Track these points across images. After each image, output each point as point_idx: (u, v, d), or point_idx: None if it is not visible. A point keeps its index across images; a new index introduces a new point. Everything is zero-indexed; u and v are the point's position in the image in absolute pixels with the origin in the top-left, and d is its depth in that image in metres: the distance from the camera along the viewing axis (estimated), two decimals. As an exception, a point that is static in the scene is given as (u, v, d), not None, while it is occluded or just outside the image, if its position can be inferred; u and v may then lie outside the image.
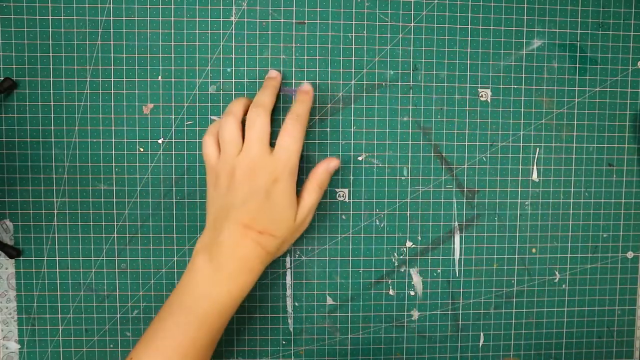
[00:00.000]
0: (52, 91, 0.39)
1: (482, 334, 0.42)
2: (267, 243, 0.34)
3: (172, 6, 0.39)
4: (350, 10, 0.40)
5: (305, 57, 0.40)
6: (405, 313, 0.42)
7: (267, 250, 0.34)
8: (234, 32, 0.39)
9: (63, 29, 0.39)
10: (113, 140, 0.39)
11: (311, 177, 0.36)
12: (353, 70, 0.40)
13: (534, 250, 0.42)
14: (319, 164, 0.36)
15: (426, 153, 0.41)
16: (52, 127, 0.39)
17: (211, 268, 0.33)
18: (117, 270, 0.40)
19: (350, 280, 0.41)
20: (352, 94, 0.40)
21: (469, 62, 0.41)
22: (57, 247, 0.40)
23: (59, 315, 0.40)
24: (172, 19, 0.39)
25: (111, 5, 0.39)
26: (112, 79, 0.39)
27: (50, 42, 0.39)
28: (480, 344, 0.43)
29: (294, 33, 0.40)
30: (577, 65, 0.41)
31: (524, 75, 0.41)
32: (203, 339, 0.33)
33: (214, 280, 0.33)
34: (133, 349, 0.34)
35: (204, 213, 0.40)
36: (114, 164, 0.40)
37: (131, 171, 0.40)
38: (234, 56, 0.39)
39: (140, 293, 0.41)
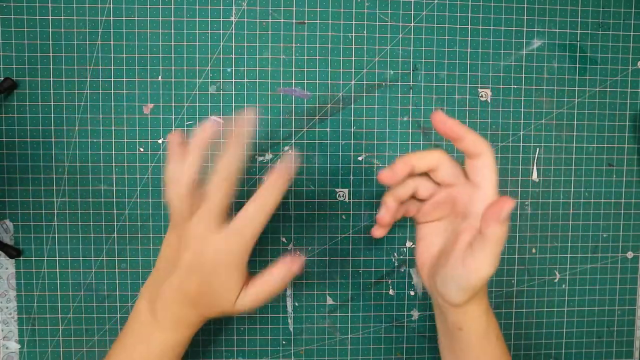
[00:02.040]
0: (52, 91, 0.39)
1: (482, 334, 0.42)
2: (204, 311, 0.32)
3: (172, 6, 0.39)
4: (350, 10, 0.40)
5: (305, 57, 0.40)
6: (405, 313, 0.42)
7: (204, 316, 0.33)
8: (234, 32, 0.39)
9: (63, 29, 0.39)
10: (113, 140, 0.39)
11: (269, 272, 0.32)
12: (353, 70, 0.40)
13: (534, 250, 0.42)
14: (282, 262, 0.32)
15: (426, 153, 0.41)
16: (52, 127, 0.39)
17: (150, 315, 0.32)
18: (117, 270, 0.40)
19: (350, 280, 0.41)
20: (352, 94, 0.40)
21: (469, 62, 0.41)
22: (57, 247, 0.40)
23: (59, 315, 0.40)
24: (172, 19, 0.39)
25: (111, 5, 0.39)
26: (112, 79, 0.39)
27: (50, 42, 0.39)
28: (480, 344, 0.43)
29: (294, 33, 0.40)
30: (577, 65, 0.41)
31: (524, 75, 0.41)
32: None
33: (152, 327, 0.32)
34: None
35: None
36: (114, 164, 0.40)
37: (131, 171, 0.40)
38: (234, 56, 0.39)
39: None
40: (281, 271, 0.32)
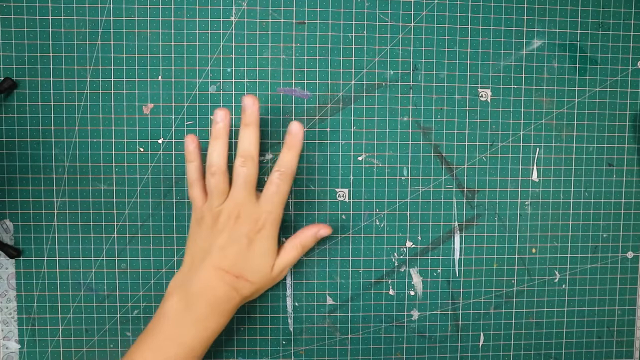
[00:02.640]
0: (52, 91, 0.39)
1: (482, 334, 0.42)
2: (242, 287, 0.34)
3: (172, 6, 0.39)
4: (350, 10, 0.40)
5: (305, 57, 0.40)
6: (405, 313, 0.42)
7: (242, 295, 0.35)
8: (234, 32, 0.39)
9: (63, 29, 0.39)
10: (113, 140, 0.39)
11: (298, 235, 0.37)
12: (353, 70, 0.40)
13: (534, 250, 0.42)
14: (309, 227, 0.37)
15: (426, 153, 0.41)
16: (52, 127, 0.39)
17: (182, 309, 0.33)
18: (117, 270, 0.40)
19: (350, 280, 0.41)
20: (352, 94, 0.40)
21: (469, 62, 0.41)
22: (57, 247, 0.40)
23: (59, 315, 0.40)
24: (172, 19, 0.39)
25: (111, 5, 0.39)
26: (112, 79, 0.39)
27: (50, 42, 0.39)
28: (480, 344, 0.43)
29: (294, 33, 0.40)
30: (577, 65, 0.41)
31: (524, 75, 0.41)
32: None
33: (183, 322, 0.33)
34: None
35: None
36: (114, 164, 0.40)
37: (131, 171, 0.40)
38: (234, 56, 0.39)
39: (140, 293, 0.41)
40: (309, 236, 0.36)
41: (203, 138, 0.40)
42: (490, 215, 0.42)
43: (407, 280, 0.42)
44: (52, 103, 0.39)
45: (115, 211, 0.40)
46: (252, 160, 0.34)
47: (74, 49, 0.39)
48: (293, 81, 0.40)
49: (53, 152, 0.39)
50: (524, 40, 0.41)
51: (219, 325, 0.34)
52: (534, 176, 0.42)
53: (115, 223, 0.40)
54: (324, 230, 0.36)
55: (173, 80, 0.39)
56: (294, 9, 0.40)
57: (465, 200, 0.41)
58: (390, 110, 0.41)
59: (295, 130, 0.34)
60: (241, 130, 0.35)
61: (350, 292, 0.42)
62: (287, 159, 0.34)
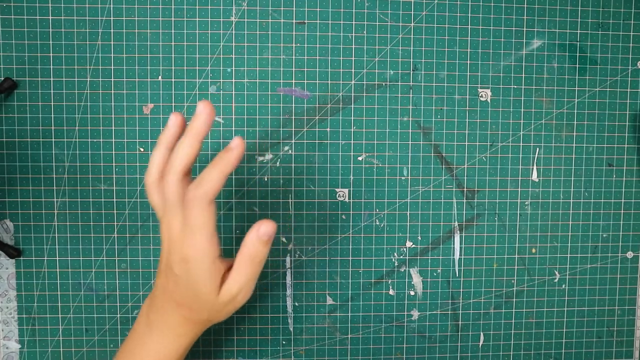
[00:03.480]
0: (52, 91, 0.39)
1: (482, 334, 0.42)
2: (190, 316, 0.31)
3: (172, 6, 0.39)
4: (350, 10, 0.40)
5: (305, 57, 0.40)
6: (405, 313, 0.42)
7: (194, 322, 0.32)
8: (234, 32, 0.39)
9: (63, 29, 0.39)
10: (113, 140, 0.39)
11: (241, 248, 0.30)
12: (353, 70, 0.40)
13: (534, 250, 0.42)
14: (249, 232, 0.30)
15: (426, 153, 0.41)
16: (52, 127, 0.39)
17: (144, 324, 0.32)
18: (117, 270, 0.40)
19: (350, 280, 0.41)
20: (352, 94, 0.40)
21: (469, 62, 0.41)
22: (57, 247, 0.40)
23: (59, 315, 0.40)
24: (172, 19, 0.39)
25: (111, 5, 0.39)
26: (112, 79, 0.39)
27: (50, 42, 0.39)
28: (480, 344, 0.43)
29: (294, 33, 0.40)
30: (577, 65, 0.41)
31: (524, 75, 0.41)
32: None
33: (146, 336, 0.32)
34: None
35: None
36: (114, 164, 0.40)
37: (131, 171, 0.40)
38: (234, 56, 0.39)
39: (140, 293, 0.41)
40: (253, 242, 0.30)
41: (211, 138, 0.40)
42: (490, 215, 0.42)
43: (407, 280, 0.42)
44: (52, 103, 0.39)
45: (115, 211, 0.40)
46: (174, 175, 0.29)
47: (74, 49, 0.39)
48: (293, 81, 0.40)
49: (53, 152, 0.39)
50: (524, 40, 0.41)
51: (180, 346, 0.32)
52: (534, 176, 0.42)
53: (115, 223, 0.40)
54: (264, 227, 0.29)
55: (173, 80, 0.39)
56: (294, 9, 0.40)
57: (465, 200, 0.41)
58: (390, 110, 0.41)
59: (236, 144, 0.28)
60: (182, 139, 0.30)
61: (350, 292, 0.42)
62: (210, 177, 0.28)
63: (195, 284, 0.30)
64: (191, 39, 0.39)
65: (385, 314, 0.42)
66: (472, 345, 0.43)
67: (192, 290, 0.30)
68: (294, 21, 0.40)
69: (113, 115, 0.39)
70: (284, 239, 0.41)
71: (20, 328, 0.40)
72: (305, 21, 0.40)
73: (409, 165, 0.41)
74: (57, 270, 0.40)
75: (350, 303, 0.42)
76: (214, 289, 0.30)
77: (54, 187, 0.39)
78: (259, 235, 0.30)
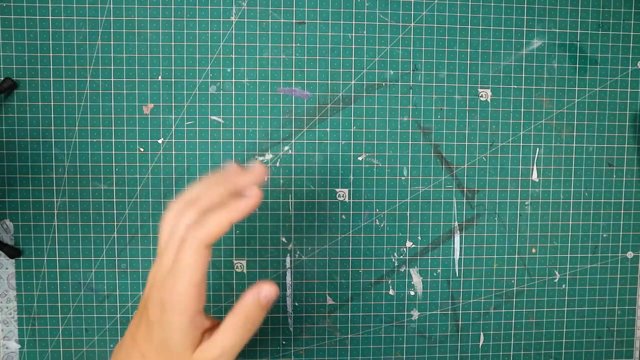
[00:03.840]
0: (52, 91, 0.39)
1: (482, 334, 0.42)
2: None
3: (172, 6, 0.39)
4: (350, 10, 0.40)
5: (305, 57, 0.40)
6: (405, 313, 0.42)
7: None
8: (234, 32, 0.39)
9: (63, 29, 0.39)
10: (113, 140, 0.39)
11: (235, 308, 0.26)
12: (353, 70, 0.40)
13: (534, 250, 0.42)
14: (248, 292, 0.26)
15: (426, 153, 0.41)
16: (52, 127, 0.39)
17: None
18: (117, 270, 0.40)
19: (350, 280, 0.41)
20: (352, 94, 0.40)
21: (469, 62, 0.41)
22: (57, 247, 0.40)
23: (59, 315, 0.40)
24: (172, 19, 0.39)
25: (111, 5, 0.39)
26: (112, 79, 0.39)
27: (50, 42, 0.39)
28: (480, 344, 0.43)
29: (294, 33, 0.40)
30: (577, 65, 0.41)
31: (524, 75, 0.41)
32: None
33: None
34: None
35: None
36: (114, 164, 0.40)
37: (131, 171, 0.40)
38: (234, 56, 0.39)
39: (140, 293, 0.41)
40: (251, 304, 0.26)
41: (202, 138, 0.40)
42: (490, 215, 0.42)
43: (407, 280, 0.42)
44: (52, 103, 0.39)
45: (115, 211, 0.40)
46: (199, 236, 0.25)
47: (74, 49, 0.39)
48: (293, 81, 0.40)
49: (53, 152, 0.39)
50: (524, 40, 0.41)
51: None
52: (534, 176, 0.42)
53: (115, 223, 0.40)
54: (266, 290, 0.26)
55: (173, 80, 0.39)
56: (294, 9, 0.40)
57: (465, 200, 0.41)
58: (390, 110, 0.41)
59: (253, 194, 0.25)
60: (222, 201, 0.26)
61: (350, 292, 0.42)
62: (215, 220, 0.25)
63: (168, 336, 0.26)
64: (191, 39, 0.39)
65: (385, 314, 0.42)
66: (472, 345, 0.43)
67: (164, 343, 0.26)
68: (294, 21, 0.40)
69: (113, 115, 0.39)
70: (284, 239, 0.41)
71: (20, 328, 0.40)
72: (305, 21, 0.40)
73: (409, 165, 0.41)
74: (57, 270, 0.40)
75: (350, 303, 0.42)
76: (188, 346, 0.26)
77: (54, 187, 0.39)
78: (260, 298, 0.26)
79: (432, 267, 0.42)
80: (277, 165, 0.40)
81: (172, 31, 0.39)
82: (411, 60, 0.40)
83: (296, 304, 0.41)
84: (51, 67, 0.39)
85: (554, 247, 0.42)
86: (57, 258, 0.40)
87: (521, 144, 0.41)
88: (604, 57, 0.41)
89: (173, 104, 0.40)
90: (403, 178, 0.41)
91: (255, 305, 0.26)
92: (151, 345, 0.26)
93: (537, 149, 0.42)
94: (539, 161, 0.42)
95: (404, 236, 0.41)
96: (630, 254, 0.43)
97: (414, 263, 0.42)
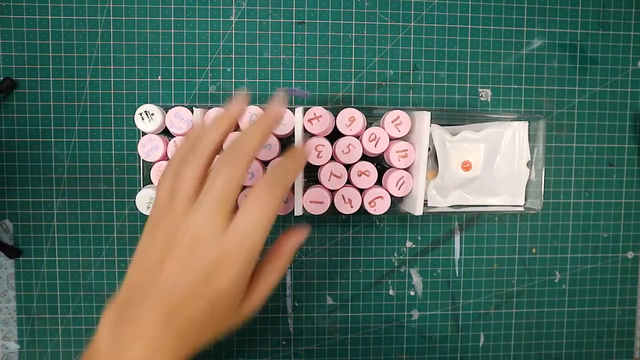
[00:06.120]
0: (51, 91, 0.39)
1: (482, 334, 0.42)
2: (192, 347, 0.24)
3: (172, 6, 0.39)
4: (350, 10, 0.40)
5: (305, 57, 0.40)
6: (405, 313, 0.42)
7: (192, 345, 0.24)
8: (234, 32, 0.39)
9: (63, 29, 0.39)
10: (113, 140, 0.39)
11: (274, 253, 0.27)
12: (353, 70, 0.40)
13: (534, 250, 0.42)
14: (284, 238, 0.27)
15: (426, 153, 0.41)
16: (52, 127, 0.39)
17: (111, 346, 0.23)
18: (117, 270, 0.40)
19: (350, 280, 0.41)
20: (352, 94, 0.40)
21: (469, 62, 0.41)
22: (56, 247, 0.40)
23: (59, 316, 0.40)
24: (172, 19, 0.39)
25: (111, 5, 0.39)
26: (112, 79, 0.39)
27: (50, 42, 0.39)
28: (480, 344, 0.43)
29: (294, 33, 0.40)
30: (577, 65, 0.41)
31: (524, 75, 0.41)
32: None
33: None
34: None
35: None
36: (113, 164, 0.40)
37: (131, 171, 0.40)
38: (234, 56, 0.39)
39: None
40: (290, 250, 0.27)
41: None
42: (490, 215, 0.42)
43: (407, 280, 0.42)
44: (51, 103, 0.39)
45: (115, 211, 0.40)
46: (239, 167, 0.24)
47: (74, 48, 0.39)
48: (293, 81, 0.40)
49: (53, 152, 0.39)
50: (524, 40, 0.41)
51: None
52: (533, 176, 0.42)
53: (115, 223, 0.40)
54: (301, 236, 0.27)
55: (173, 80, 0.39)
56: (294, 8, 0.40)
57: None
58: (390, 110, 0.41)
59: (303, 148, 0.25)
60: (253, 124, 0.25)
61: (350, 292, 0.42)
62: (279, 170, 0.25)
63: (223, 297, 0.24)
64: (191, 39, 0.39)
65: (385, 314, 0.42)
66: (472, 346, 0.42)
67: (216, 305, 0.24)
68: (294, 21, 0.40)
69: (113, 115, 0.39)
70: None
71: (19, 328, 0.40)
72: (305, 21, 0.40)
73: (409, 165, 0.41)
74: (57, 270, 0.40)
75: (350, 303, 0.42)
76: (239, 301, 0.25)
77: (54, 187, 0.39)
78: (295, 245, 0.27)
79: (432, 267, 0.42)
80: (277, 165, 0.40)
81: (172, 31, 0.39)
82: (411, 60, 0.40)
83: (296, 304, 0.41)
84: (51, 67, 0.39)
85: (554, 247, 0.42)
86: (57, 258, 0.40)
87: (521, 144, 0.41)
88: (604, 57, 0.41)
89: (173, 104, 0.39)
90: (403, 178, 0.41)
91: (291, 252, 0.27)
92: (189, 295, 0.23)
93: (536, 148, 0.41)
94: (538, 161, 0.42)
95: (404, 236, 0.41)
96: (630, 254, 0.43)
97: (414, 263, 0.42)
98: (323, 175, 0.34)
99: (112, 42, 0.39)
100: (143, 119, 0.34)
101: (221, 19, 0.39)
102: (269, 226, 0.24)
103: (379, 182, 0.35)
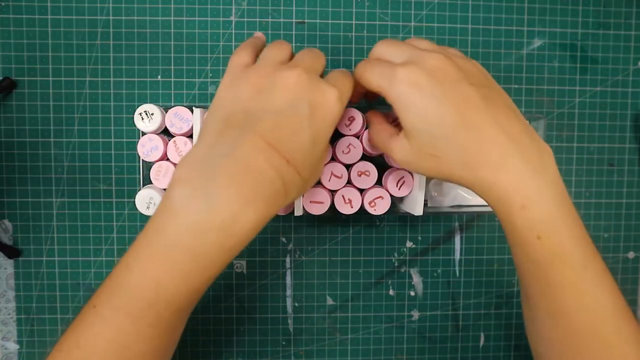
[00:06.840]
0: (51, 91, 0.39)
1: (482, 334, 0.42)
2: (290, 182, 0.24)
3: (172, 6, 0.39)
4: (350, 10, 0.40)
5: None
6: (406, 313, 0.42)
7: (285, 190, 0.24)
8: (234, 32, 0.39)
9: (63, 29, 0.39)
10: (113, 140, 0.39)
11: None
12: (353, 70, 0.40)
13: (534, 251, 0.42)
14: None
15: (426, 153, 0.41)
16: (52, 127, 0.39)
17: (198, 201, 0.22)
18: (116, 270, 0.40)
19: (350, 280, 0.41)
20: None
21: (469, 62, 0.41)
22: (56, 247, 0.40)
23: (58, 316, 0.40)
24: (172, 18, 0.39)
25: (111, 5, 0.39)
26: (112, 79, 0.39)
27: (50, 42, 0.39)
28: (481, 344, 0.42)
29: (294, 33, 0.40)
30: (577, 65, 0.41)
31: (524, 75, 0.41)
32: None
33: (198, 220, 0.22)
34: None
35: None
36: (113, 164, 0.39)
37: (131, 171, 0.40)
38: (233, 56, 0.39)
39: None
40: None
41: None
42: (490, 215, 0.42)
43: (407, 280, 0.42)
44: (51, 103, 0.39)
45: (115, 211, 0.40)
46: (320, 57, 0.28)
47: (73, 48, 0.39)
48: (293, 81, 0.40)
49: (52, 152, 0.39)
50: (524, 40, 0.41)
51: (251, 225, 0.23)
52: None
53: (115, 223, 0.40)
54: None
55: (173, 80, 0.39)
56: (294, 8, 0.39)
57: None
58: (391, 110, 0.40)
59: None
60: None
61: (350, 292, 0.41)
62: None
63: (319, 137, 0.25)
64: (191, 38, 0.39)
65: (385, 315, 0.42)
66: (473, 346, 0.42)
67: (312, 144, 0.25)
68: (294, 21, 0.40)
69: (112, 115, 0.39)
70: (284, 239, 0.41)
71: (19, 328, 0.40)
72: (305, 21, 0.40)
73: (409, 165, 0.41)
74: (56, 270, 0.40)
75: (350, 303, 0.42)
76: (324, 150, 0.27)
77: (53, 187, 0.39)
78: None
79: (433, 268, 0.42)
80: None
81: (172, 31, 0.39)
82: (411, 60, 0.40)
83: (296, 304, 0.41)
84: (50, 66, 0.39)
85: (555, 247, 0.42)
86: (56, 258, 0.40)
87: (521, 144, 0.41)
88: (604, 57, 0.41)
89: (173, 104, 0.39)
90: (403, 178, 0.41)
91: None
92: (296, 147, 0.24)
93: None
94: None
95: (404, 236, 0.41)
96: (631, 254, 0.43)
97: (414, 263, 0.42)
98: (323, 175, 0.34)
99: (111, 42, 0.39)
100: (143, 118, 0.34)
101: (221, 19, 0.39)
102: (347, 98, 0.28)
103: (379, 182, 0.35)
